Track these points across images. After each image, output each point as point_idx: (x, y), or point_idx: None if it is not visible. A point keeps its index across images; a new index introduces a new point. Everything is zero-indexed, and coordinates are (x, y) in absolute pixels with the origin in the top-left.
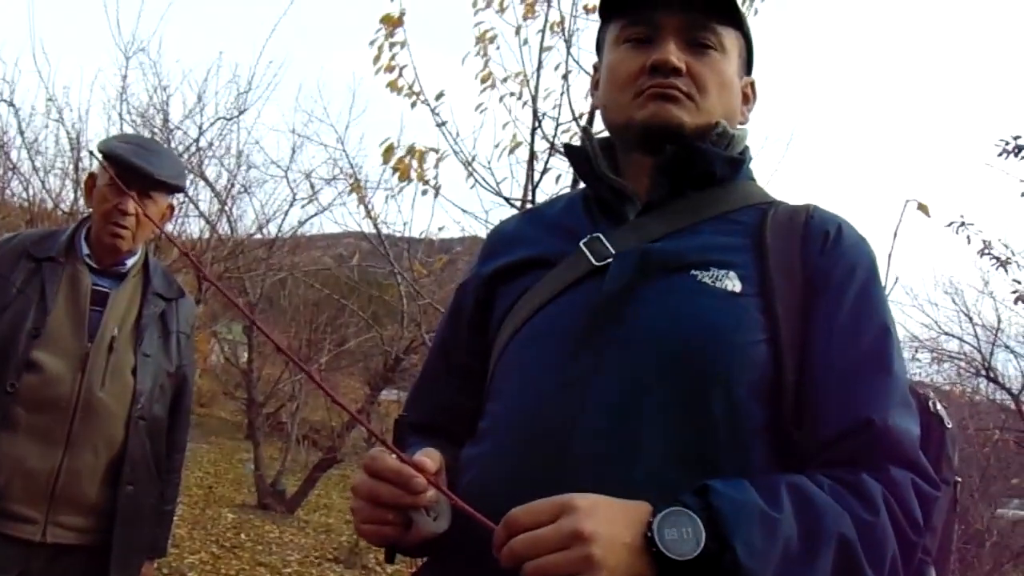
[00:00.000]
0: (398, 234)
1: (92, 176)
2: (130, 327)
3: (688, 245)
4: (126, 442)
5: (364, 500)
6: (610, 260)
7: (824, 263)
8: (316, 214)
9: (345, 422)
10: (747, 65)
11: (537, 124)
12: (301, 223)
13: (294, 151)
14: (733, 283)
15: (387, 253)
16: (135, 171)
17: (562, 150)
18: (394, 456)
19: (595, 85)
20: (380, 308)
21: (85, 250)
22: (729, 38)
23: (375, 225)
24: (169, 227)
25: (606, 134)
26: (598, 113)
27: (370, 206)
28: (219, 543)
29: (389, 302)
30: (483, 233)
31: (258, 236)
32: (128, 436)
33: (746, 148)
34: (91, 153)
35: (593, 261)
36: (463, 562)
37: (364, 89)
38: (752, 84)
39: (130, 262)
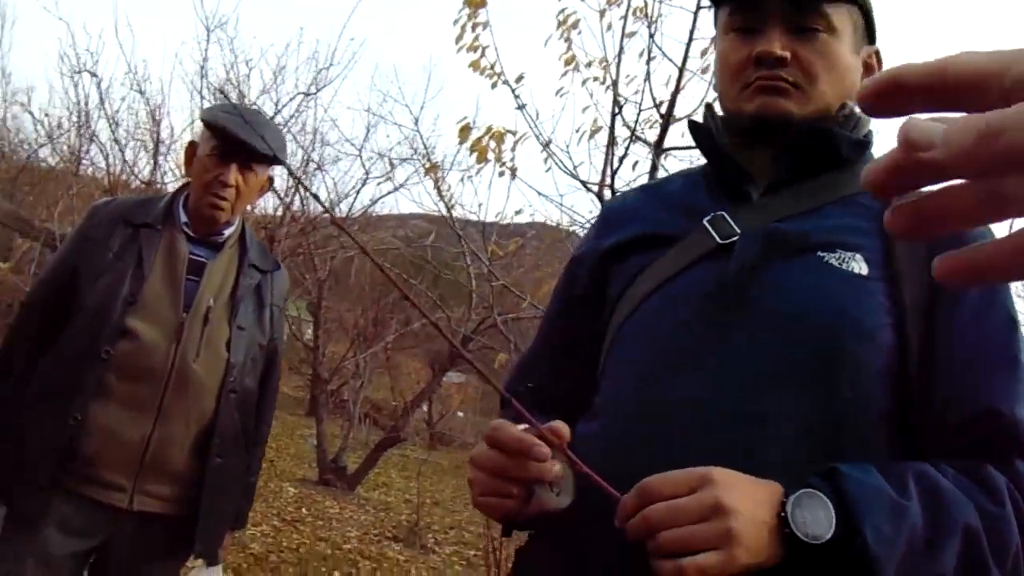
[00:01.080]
0: (472, 216)
1: (193, 144)
2: (226, 298)
3: (814, 226)
4: (216, 414)
5: (485, 471)
6: (735, 239)
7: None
8: (388, 193)
9: (408, 402)
10: (868, 34)
11: (618, 110)
12: (373, 202)
13: (368, 130)
14: (860, 266)
15: (459, 234)
16: (237, 142)
17: (643, 137)
18: (519, 427)
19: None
20: (446, 290)
21: (183, 218)
22: (839, 15)
23: (447, 206)
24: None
25: None
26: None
27: (445, 186)
28: (281, 516)
29: (458, 282)
30: (557, 217)
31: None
32: (219, 408)
33: (870, 131)
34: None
35: (717, 239)
36: (577, 537)
37: (439, 70)
38: (876, 53)
39: (227, 232)
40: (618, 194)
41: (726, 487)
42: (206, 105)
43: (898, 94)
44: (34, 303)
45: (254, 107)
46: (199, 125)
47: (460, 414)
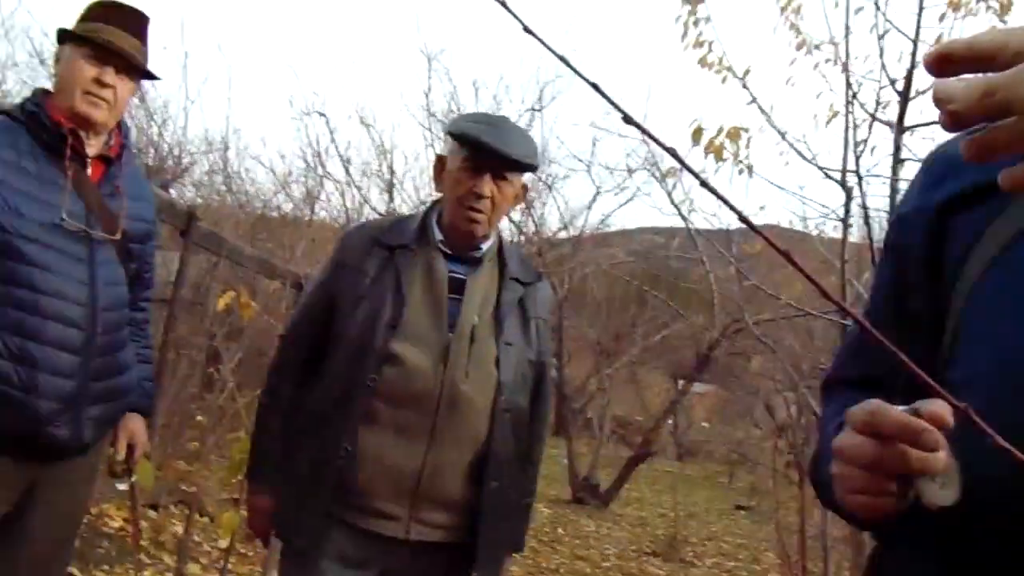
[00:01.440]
0: (705, 224)
1: (441, 159)
2: (490, 315)
3: None
4: (491, 436)
5: (856, 464)
6: None
7: None
8: (621, 206)
9: (657, 416)
10: None
11: (853, 93)
12: (605, 216)
13: (594, 144)
14: None
15: (694, 240)
16: (489, 151)
17: (882, 118)
18: (899, 408)
19: None
20: (682, 300)
21: (439, 236)
22: None
23: (680, 212)
24: None
25: None
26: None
27: (681, 193)
28: (538, 538)
29: (696, 291)
30: (799, 212)
31: (562, 234)
32: (493, 430)
33: None
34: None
35: None
36: (963, 544)
37: (658, 77)
38: None
39: (485, 246)
40: (940, 144)
41: None
42: (432, 131)
43: (946, 61)
44: (295, 335)
45: (501, 116)
46: (430, 154)
47: (705, 424)
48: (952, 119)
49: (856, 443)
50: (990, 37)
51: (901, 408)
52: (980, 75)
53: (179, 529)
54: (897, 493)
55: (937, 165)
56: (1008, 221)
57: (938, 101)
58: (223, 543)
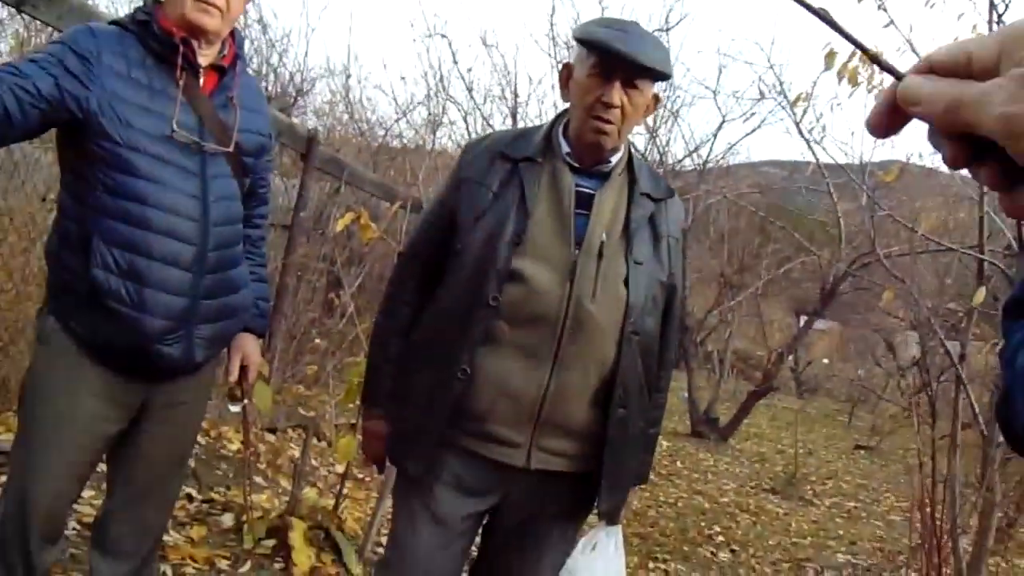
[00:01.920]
0: (828, 159)
1: (568, 66)
2: (619, 232)
3: None
4: (618, 360)
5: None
6: None
7: None
8: (747, 135)
9: (778, 351)
10: None
11: (999, 14)
12: (731, 146)
13: (720, 71)
14: None
15: (823, 172)
16: (619, 58)
17: None
18: None
19: None
20: (804, 235)
21: (565, 148)
22: None
23: (808, 142)
24: None
25: None
26: None
27: (817, 120)
28: (656, 471)
29: (822, 223)
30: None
31: (687, 162)
32: (620, 354)
33: None
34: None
35: None
36: None
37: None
38: None
39: (614, 159)
40: None
41: None
42: (556, 56)
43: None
44: (413, 251)
45: (631, 20)
46: (555, 78)
47: (825, 360)
48: (914, 116)
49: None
50: (947, 50)
51: None
52: (947, 83)
53: (296, 453)
54: None
55: None
56: None
57: (903, 99)
58: (339, 468)
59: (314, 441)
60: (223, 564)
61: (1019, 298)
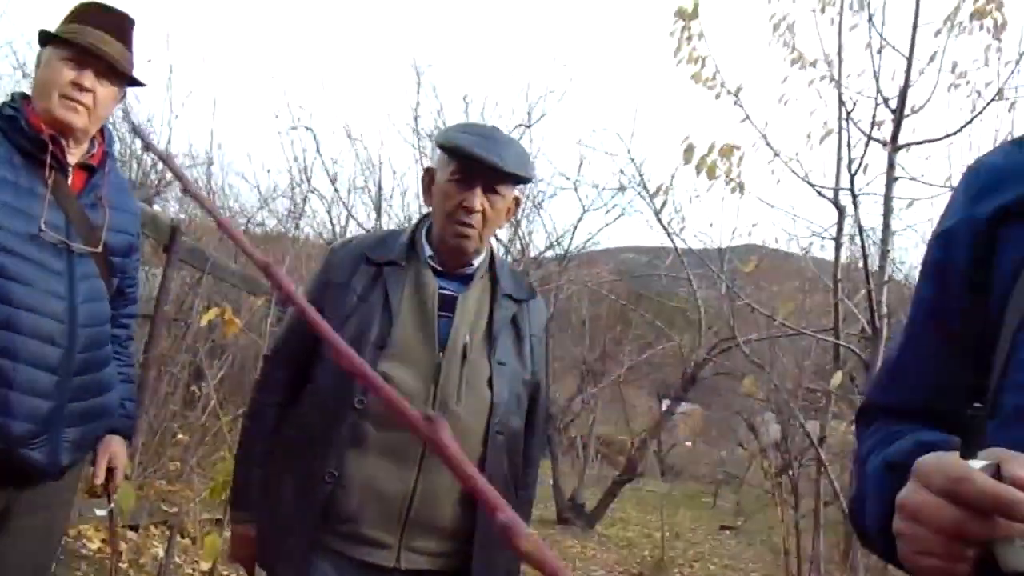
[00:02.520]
0: (692, 244)
1: (430, 171)
2: (482, 333)
3: None
4: (484, 459)
5: (932, 528)
6: None
7: None
8: (607, 225)
9: (642, 436)
10: None
11: (847, 111)
12: (591, 235)
13: (581, 163)
14: None
15: (682, 259)
16: (480, 163)
17: (876, 136)
18: (982, 467)
19: None
20: (665, 321)
21: (428, 251)
22: None
23: (667, 231)
24: None
25: None
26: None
27: (670, 211)
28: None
29: (680, 310)
30: (790, 231)
31: (549, 253)
32: (486, 453)
33: None
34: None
35: None
36: None
37: (645, 96)
38: None
39: (477, 262)
40: (981, 156)
41: None
42: (420, 148)
43: None
44: (279, 354)
45: (492, 126)
46: (418, 171)
47: (688, 443)
48: None
49: (932, 506)
50: None
51: (981, 465)
52: None
53: (160, 551)
54: (972, 559)
55: (983, 176)
56: None
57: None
58: (205, 565)
59: (178, 538)
60: None
61: (866, 406)
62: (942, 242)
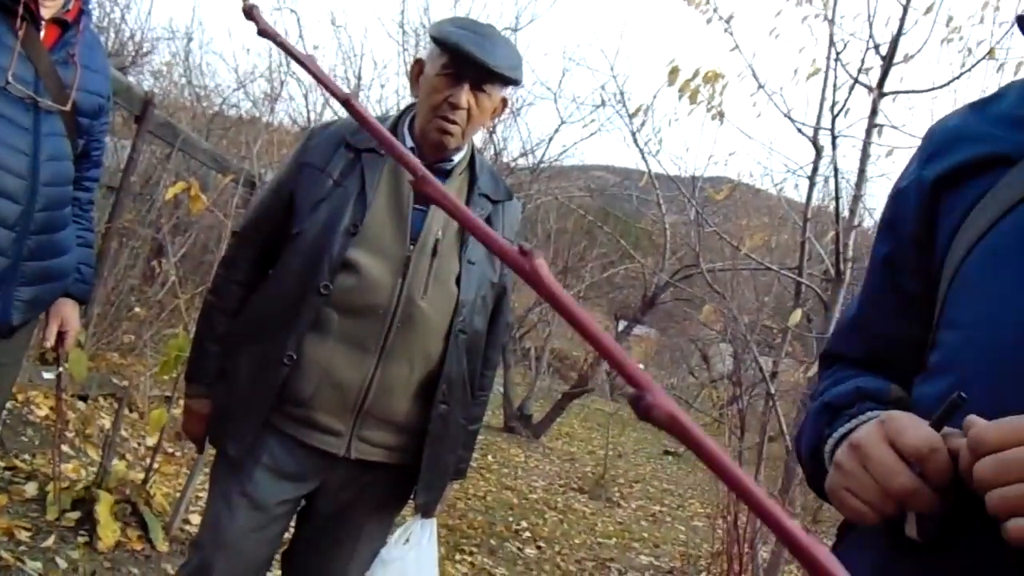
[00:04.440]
0: (665, 169)
1: (419, 62)
2: (455, 230)
3: None
4: (444, 357)
5: (876, 478)
6: None
7: None
8: (583, 140)
9: (594, 354)
10: None
11: (837, 52)
12: (565, 148)
13: (564, 75)
14: None
15: (655, 182)
16: (471, 60)
17: (864, 81)
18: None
19: None
20: (631, 242)
21: (409, 143)
22: None
23: (643, 153)
24: None
25: None
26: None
27: (655, 133)
28: None
29: (647, 232)
30: (766, 164)
31: (522, 161)
32: (447, 350)
33: None
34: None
35: None
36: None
37: (634, 18)
38: None
39: (456, 158)
40: (941, 117)
41: None
42: (404, 44)
43: None
44: (248, 232)
45: (487, 23)
46: (400, 64)
47: (641, 366)
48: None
49: (890, 462)
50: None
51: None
52: None
53: (107, 423)
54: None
55: (937, 137)
56: (996, 199)
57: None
58: (151, 441)
59: (126, 412)
60: (24, 536)
61: (827, 353)
62: (895, 201)
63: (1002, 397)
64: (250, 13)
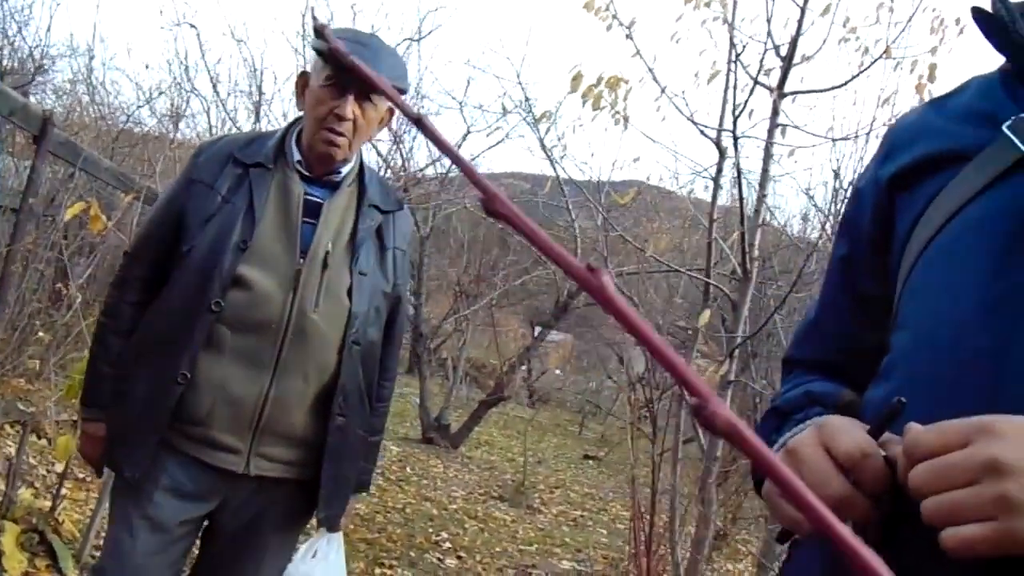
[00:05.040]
0: (575, 174)
1: (304, 75)
2: (345, 242)
3: None
4: (339, 369)
5: (808, 482)
6: None
7: None
8: (490, 148)
9: (511, 361)
10: None
11: (736, 54)
12: (474, 157)
13: (469, 83)
14: None
15: (562, 188)
16: (353, 70)
17: (764, 82)
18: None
19: None
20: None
21: (296, 156)
22: None
23: (550, 158)
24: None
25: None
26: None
27: (554, 139)
28: (385, 476)
29: (560, 238)
30: (672, 168)
31: (430, 170)
32: (341, 362)
33: None
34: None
35: (1022, 148)
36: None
37: (538, 22)
38: None
39: (345, 170)
40: (900, 116)
41: (1009, 439)
42: (306, 55)
43: None
44: (138, 251)
45: (371, 33)
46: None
47: (558, 372)
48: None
49: (822, 467)
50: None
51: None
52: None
53: (12, 451)
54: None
55: (894, 136)
56: (950, 197)
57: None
58: (60, 467)
59: (34, 439)
60: None
61: (786, 360)
62: (853, 201)
63: (939, 401)
64: (321, 32)
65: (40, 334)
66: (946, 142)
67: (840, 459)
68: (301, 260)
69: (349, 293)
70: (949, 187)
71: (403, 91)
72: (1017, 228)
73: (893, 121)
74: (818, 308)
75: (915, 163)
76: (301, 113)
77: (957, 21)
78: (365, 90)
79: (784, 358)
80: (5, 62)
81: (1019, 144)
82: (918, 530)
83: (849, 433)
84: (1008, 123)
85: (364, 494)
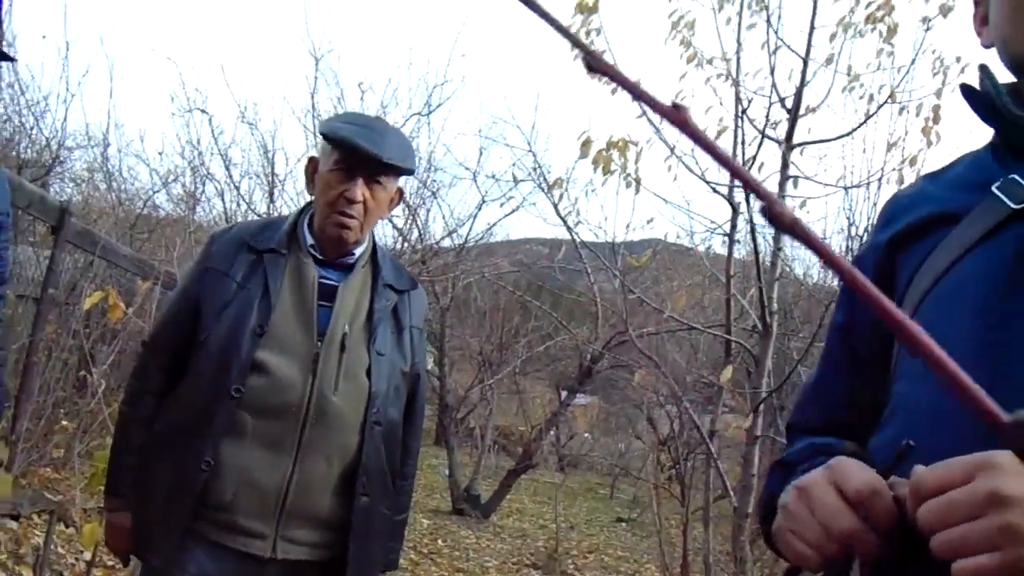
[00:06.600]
0: (590, 237)
1: (313, 160)
2: (362, 323)
3: None
4: (361, 450)
5: (820, 520)
6: None
7: None
8: (506, 216)
9: (538, 427)
10: None
11: (743, 108)
12: (490, 226)
13: (481, 153)
14: None
15: (579, 252)
16: (361, 153)
17: (771, 135)
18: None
19: (982, 20)
20: (566, 313)
21: (309, 240)
22: None
23: (566, 223)
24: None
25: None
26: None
27: (566, 204)
28: (416, 549)
29: (579, 303)
30: (686, 226)
31: (447, 241)
32: (363, 443)
33: None
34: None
35: (1011, 204)
36: None
37: (547, 89)
38: None
39: (358, 252)
40: (900, 188)
41: (1010, 472)
42: (316, 135)
43: None
44: (157, 341)
45: (375, 116)
46: (317, 146)
47: (587, 435)
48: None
49: (832, 505)
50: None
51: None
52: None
53: (40, 540)
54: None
55: (893, 205)
56: (943, 253)
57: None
58: (88, 555)
59: (61, 527)
60: None
61: (790, 426)
62: (855, 266)
63: (942, 442)
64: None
65: (64, 422)
66: (940, 206)
67: (850, 496)
68: (319, 343)
69: (368, 374)
70: (943, 244)
71: (410, 171)
72: (1007, 277)
73: (895, 194)
74: (818, 372)
75: (913, 225)
76: (312, 198)
77: (958, 59)
78: (373, 173)
79: (787, 424)
80: (23, 154)
81: (1006, 200)
82: (928, 569)
83: (859, 472)
84: (997, 184)
85: (391, 573)
